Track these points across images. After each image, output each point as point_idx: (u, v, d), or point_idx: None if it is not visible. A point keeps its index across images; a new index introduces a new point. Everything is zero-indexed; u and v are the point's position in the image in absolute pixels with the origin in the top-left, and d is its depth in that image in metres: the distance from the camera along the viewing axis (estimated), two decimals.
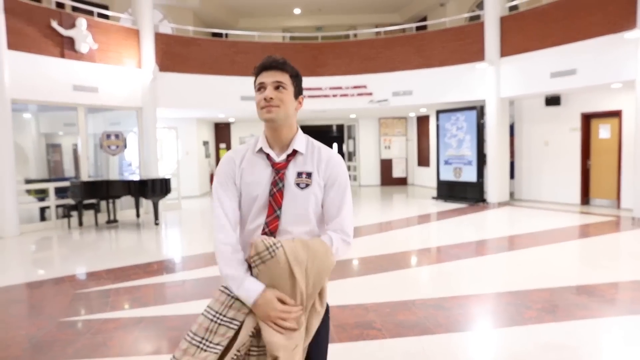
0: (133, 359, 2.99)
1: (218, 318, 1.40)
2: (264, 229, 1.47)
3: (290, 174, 1.50)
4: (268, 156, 1.52)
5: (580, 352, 2.94)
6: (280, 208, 1.47)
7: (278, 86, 1.47)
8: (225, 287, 1.45)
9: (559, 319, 3.45)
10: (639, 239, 6.41)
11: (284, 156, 1.52)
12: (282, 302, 1.37)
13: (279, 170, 1.50)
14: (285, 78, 1.49)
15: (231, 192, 1.52)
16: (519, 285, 4.32)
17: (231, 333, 1.37)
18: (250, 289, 1.37)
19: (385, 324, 3.42)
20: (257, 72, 1.52)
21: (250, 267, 1.43)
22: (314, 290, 1.41)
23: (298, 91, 1.54)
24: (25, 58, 7.65)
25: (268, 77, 1.48)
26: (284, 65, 1.50)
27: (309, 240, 1.45)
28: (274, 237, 1.45)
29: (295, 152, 1.53)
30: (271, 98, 1.46)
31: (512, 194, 10.75)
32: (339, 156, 1.58)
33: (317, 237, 1.52)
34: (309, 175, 1.50)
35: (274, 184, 1.48)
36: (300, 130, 1.58)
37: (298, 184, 1.49)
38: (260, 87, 1.49)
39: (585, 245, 6.23)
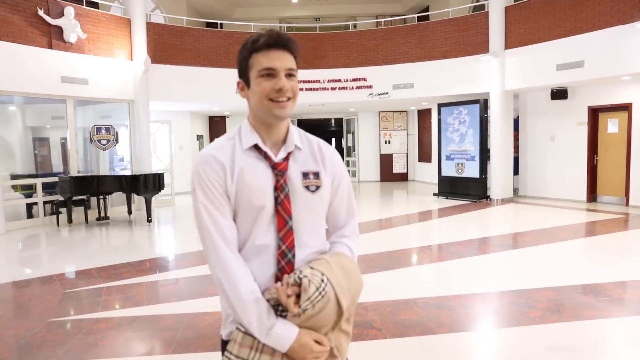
0: None
1: None
2: (279, 246, 1.20)
3: (294, 174, 1.24)
4: (266, 155, 1.23)
5: (586, 353, 2.87)
6: (291, 218, 1.21)
7: (289, 74, 1.20)
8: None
9: (565, 319, 3.38)
10: None
11: (283, 153, 1.25)
12: (318, 342, 1.15)
13: (282, 172, 1.23)
14: (293, 63, 1.22)
15: (224, 207, 1.20)
16: (523, 284, 4.23)
17: None
18: (282, 336, 1.12)
19: (385, 324, 3.35)
20: (258, 48, 1.19)
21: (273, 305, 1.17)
22: (348, 314, 1.23)
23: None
24: (10, 48, 7.38)
25: (279, 61, 1.18)
26: (293, 44, 1.22)
27: (339, 259, 1.23)
28: (292, 253, 1.21)
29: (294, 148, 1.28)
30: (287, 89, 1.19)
31: (516, 191, 10.57)
32: (333, 148, 1.38)
33: (329, 249, 1.32)
34: (316, 175, 1.26)
35: (280, 189, 1.21)
36: (289, 120, 1.31)
37: (307, 187, 1.24)
38: (270, 73, 1.18)
39: (592, 244, 6.09)
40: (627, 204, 8.69)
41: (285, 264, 1.20)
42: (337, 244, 1.32)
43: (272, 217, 1.21)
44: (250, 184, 1.20)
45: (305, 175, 1.25)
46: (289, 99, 1.20)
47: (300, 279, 1.11)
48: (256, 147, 1.24)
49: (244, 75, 1.24)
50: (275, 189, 1.21)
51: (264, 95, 1.18)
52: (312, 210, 1.26)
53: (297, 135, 1.30)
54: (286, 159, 1.25)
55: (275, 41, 1.18)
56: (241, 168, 1.21)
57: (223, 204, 1.19)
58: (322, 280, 1.11)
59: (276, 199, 1.21)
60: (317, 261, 1.20)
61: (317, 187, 1.26)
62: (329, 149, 1.34)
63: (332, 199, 1.32)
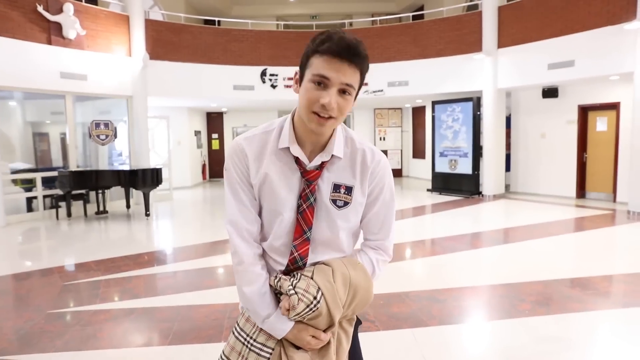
0: (123, 351, 2.94)
1: (248, 342, 1.18)
2: (292, 253, 1.18)
3: (324, 184, 1.17)
4: (297, 159, 1.17)
5: (574, 344, 2.95)
6: (310, 229, 1.17)
7: (344, 90, 1.08)
8: None
9: (553, 312, 3.46)
10: (634, 233, 6.39)
11: (317, 161, 1.17)
12: (315, 336, 1.16)
13: (310, 181, 1.16)
14: (356, 79, 1.09)
15: (249, 199, 1.19)
16: (513, 278, 4.31)
17: None
18: (276, 327, 1.14)
19: (378, 316, 3.39)
20: (321, 51, 1.06)
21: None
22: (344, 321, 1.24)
23: (359, 91, 1.16)
24: (9, 44, 7.44)
25: (337, 73, 1.05)
26: (363, 61, 1.09)
27: (351, 269, 1.17)
28: (304, 262, 1.18)
29: (332, 157, 1.18)
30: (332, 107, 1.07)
31: (507, 187, 10.73)
32: (385, 158, 1.24)
33: (353, 257, 1.26)
34: (348, 190, 1.18)
35: (304, 198, 1.16)
36: (340, 125, 1.21)
37: (334, 201, 1.17)
38: (322, 82, 1.06)
39: (580, 239, 6.21)
40: (614, 200, 8.87)
41: (294, 269, 1.18)
42: (361, 253, 1.27)
43: (292, 225, 1.18)
44: (273, 189, 1.17)
45: (336, 187, 1.18)
46: (332, 117, 1.08)
47: (290, 294, 1.10)
48: (288, 149, 1.17)
49: (302, 70, 1.13)
50: (300, 196, 1.16)
51: (308, 105, 1.09)
52: (334, 225, 1.19)
53: (342, 143, 1.19)
54: (320, 167, 1.17)
55: (340, 52, 1.05)
56: (266, 173, 1.16)
57: (249, 194, 1.19)
58: (315, 298, 1.08)
59: (298, 207, 1.16)
60: (321, 268, 1.16)
61: (345, 204, 1.18)
62: (375, 160, 1.21)
63: (368, 210, 1.24)
